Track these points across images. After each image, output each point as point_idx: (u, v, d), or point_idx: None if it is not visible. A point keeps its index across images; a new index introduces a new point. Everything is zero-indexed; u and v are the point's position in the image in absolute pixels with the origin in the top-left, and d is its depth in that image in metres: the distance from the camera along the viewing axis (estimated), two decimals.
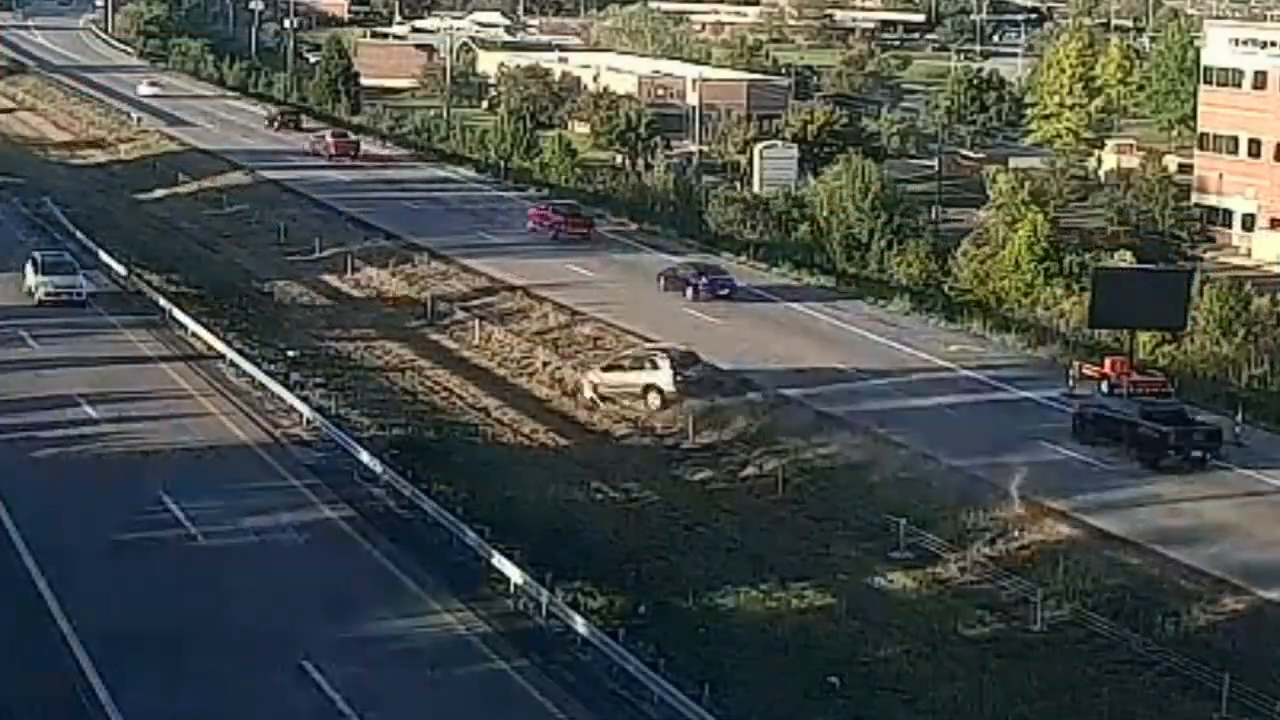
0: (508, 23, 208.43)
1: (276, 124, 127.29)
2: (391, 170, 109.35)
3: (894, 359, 62.58)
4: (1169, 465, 49.71)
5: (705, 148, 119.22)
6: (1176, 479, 49.00)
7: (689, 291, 71.95)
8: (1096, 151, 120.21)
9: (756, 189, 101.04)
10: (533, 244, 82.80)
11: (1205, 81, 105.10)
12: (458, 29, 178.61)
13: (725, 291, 71.97)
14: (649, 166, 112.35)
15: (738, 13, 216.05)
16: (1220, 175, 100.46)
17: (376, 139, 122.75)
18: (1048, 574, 42.18)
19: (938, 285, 76.75)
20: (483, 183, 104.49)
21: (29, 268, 69.98)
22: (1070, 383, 58.64)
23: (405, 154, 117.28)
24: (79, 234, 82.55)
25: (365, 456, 48.58)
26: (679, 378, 56.35)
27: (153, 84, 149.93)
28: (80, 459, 49.07)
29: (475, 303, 71.49)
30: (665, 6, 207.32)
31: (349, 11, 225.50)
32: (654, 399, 56.30)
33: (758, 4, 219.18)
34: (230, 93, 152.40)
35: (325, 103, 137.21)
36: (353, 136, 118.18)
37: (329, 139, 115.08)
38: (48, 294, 68.20)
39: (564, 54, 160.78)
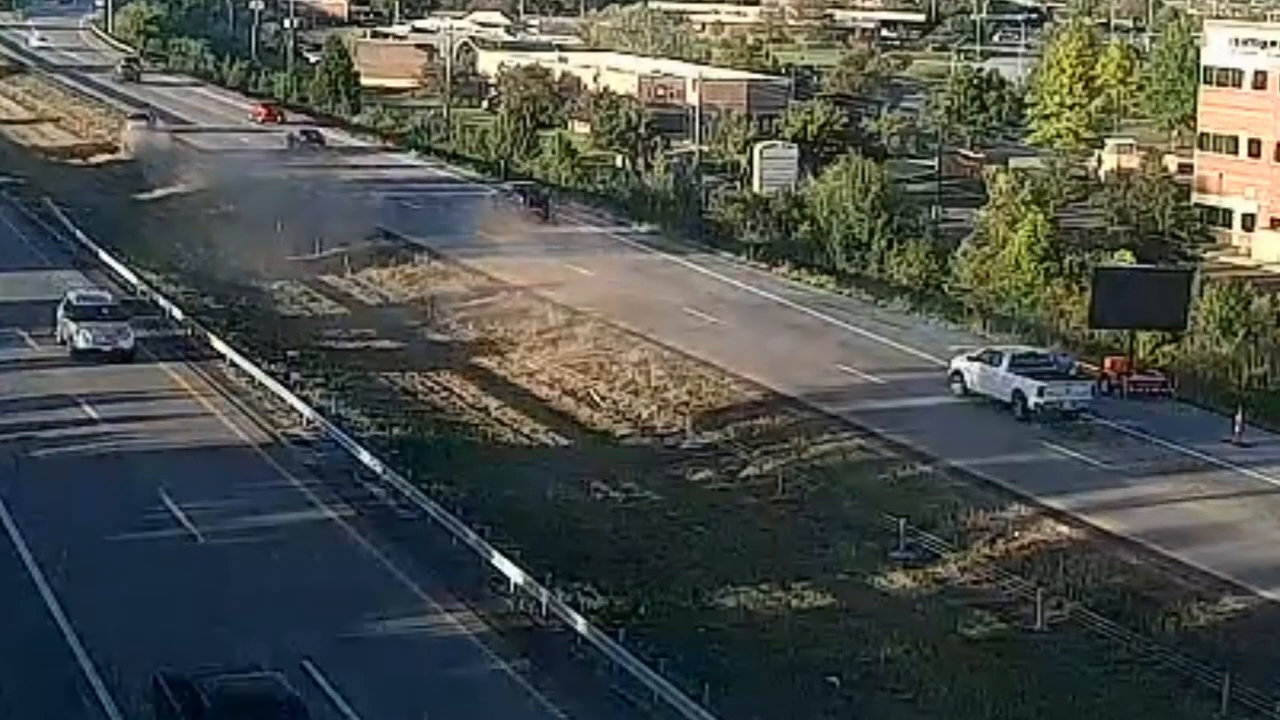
0: (508, 23, 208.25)
1: (123, 68, 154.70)
2: (391, 170, 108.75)
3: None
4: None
5: (705, 147, 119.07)
6: (1174, 479, 49.00)
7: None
8: (1096, 151, 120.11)
9: (756, 189, 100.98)
10: (532, 245, 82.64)
11: (1205, 81, 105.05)
12: (458, 29, 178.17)
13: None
14: (649, 166, 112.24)
15: (738, 13, 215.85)
16: (1220, 175, 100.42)
17: (377, 138, 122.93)
18: (1047, 574, 42.21)
19: (938, 285, 76.73)
20: (483, 182, 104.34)
21: (61, 312, 60.81)
22: None
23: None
24: (79, 233, 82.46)
25: (365, 456, 48.58)
26: None
27: (41, 38, 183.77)
28: (80, 459, 49.06)
29: (475, 302, 71.46)
30: (665, 6, 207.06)
31: (349, 11, 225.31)
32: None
33: (758, 4, 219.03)
34: (107, 47, 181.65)
35: (325, 102, 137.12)
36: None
37: None
38: (86, 343, 59.09)
39: (564, 54, 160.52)
